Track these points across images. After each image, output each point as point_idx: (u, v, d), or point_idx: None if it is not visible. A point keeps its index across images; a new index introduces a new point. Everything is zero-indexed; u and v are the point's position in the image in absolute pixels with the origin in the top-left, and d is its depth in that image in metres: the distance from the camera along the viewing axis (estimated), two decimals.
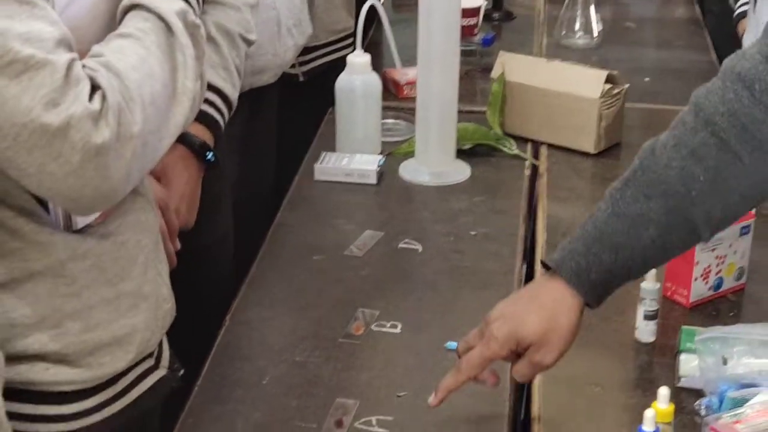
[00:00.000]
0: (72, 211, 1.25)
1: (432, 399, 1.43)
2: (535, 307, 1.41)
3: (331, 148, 2.17)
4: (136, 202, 1.36)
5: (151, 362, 1.42)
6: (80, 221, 1.28)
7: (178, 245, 1.64)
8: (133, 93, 1.20)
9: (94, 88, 1.17)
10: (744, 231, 1.71)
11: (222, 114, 1.76)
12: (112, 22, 1.29)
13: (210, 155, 1.74)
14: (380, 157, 2.13)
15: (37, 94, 1.12)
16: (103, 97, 1.16)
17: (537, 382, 1.54)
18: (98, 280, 1.31)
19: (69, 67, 1.15)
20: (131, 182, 1.24)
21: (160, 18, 1.26)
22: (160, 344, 1.46)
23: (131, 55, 1.23)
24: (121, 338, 1.34)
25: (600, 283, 1.40)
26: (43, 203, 1.24)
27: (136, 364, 1.39)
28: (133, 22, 1.26)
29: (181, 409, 1.51)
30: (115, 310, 1.34)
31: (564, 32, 2.79)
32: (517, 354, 1.41)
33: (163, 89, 1.25)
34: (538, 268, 1.79)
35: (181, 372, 1.50)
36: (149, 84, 1.23)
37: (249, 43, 1.79)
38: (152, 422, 1.48)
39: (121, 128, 1.18)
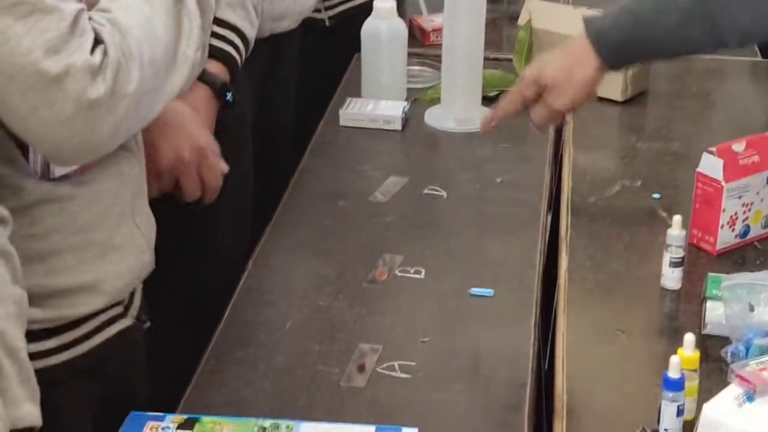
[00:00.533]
0: (53, 160, 1.24)
1: (481, 126, 1.77)
2: (560, 57, 1.65)
3: (357, 93, 2.18)
4: (120, 154, 1.35)
5: (119, 310, 1.41)
6: (57, 171, 1.27)
7: (226, 167, 1.65)
8: (133, 51, 1.20)
9: (97, 41, 1.17)
10: None
11: (240, 52, 1.76)
12: None
13: (229, 95, 1.74)
14: (405, 103, 2.13)
15: (41, 38, 1.12)
16: (105, 52, 1.17)
17: (561, 327, 1.54)
18: (67, 226, 1.30)
19: (76, 16, 1.15)
20: (119, 139, 1.24)
21: None
22: (133, 294, 1.45)
23: (137, 14, 1.23)
24: (86, 285, 1.34)
25: (617, 47, 1.62)
26: (23, 151, 1.24)
27: (103, 311, 1.38)
28: None
29: (203, 353, 1.52)
30: (82, 257, 1.33)
31: None
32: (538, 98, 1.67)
33: (164, 53, 1.25)
34: (564, 208, 1.85)
35: (147, 325, 1.49)
36: (151, 45, 1.23)
37: None
38: (116, 372, 1.45)
39: (117, 85, 1.18)
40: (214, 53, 1.72)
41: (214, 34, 1.72)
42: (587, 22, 1.62)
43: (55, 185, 1.27)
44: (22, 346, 1.12)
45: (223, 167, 1.64)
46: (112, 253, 1.36)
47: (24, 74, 1.13)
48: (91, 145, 1.19)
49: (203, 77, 1.71)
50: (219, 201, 1.71)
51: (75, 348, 1.35)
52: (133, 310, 1.45)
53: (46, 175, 1.26)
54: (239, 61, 1.76)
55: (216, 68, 1.73)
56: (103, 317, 1.38)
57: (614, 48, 1.59)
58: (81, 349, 1.36)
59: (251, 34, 1.77)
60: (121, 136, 1.23)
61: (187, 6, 1.28)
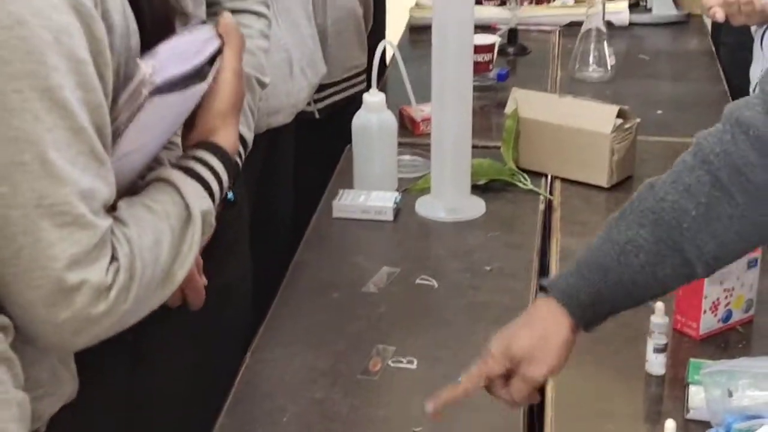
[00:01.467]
0: (26, 337, 1.22)
1: (429, 406, 1.45)
2: (528, 325, 1.46)
3: (349, 185, 2.19)
4: None
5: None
6: None
7: (205, 280, 1.66)
8: (137, 274, 1.22)
9: (113, 258, 1.19)
10: (752, 264, 1.72)
11: (239, 155, 1.77)
12: (135, 179, 1.33)
13: (230, 195, 1.76)
14: (397, 193, 2.15)
15: (70, 249, 1.15)
16: (116, 272, 1.19)
17: (549, 413, 1.56)
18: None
19: (105, 233, 1.18)
20: (93, 343, 1.25)
21: (187, 208, 1.30)
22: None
23: (149, 235, 1.25)
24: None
25: (589, 305, 1.44)
26: None
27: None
28: (163, 199, 1.29)
29: None
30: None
31: (578, 66, 2.80)
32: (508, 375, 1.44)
33: (159, 274, 1.27)
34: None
35: None
36: (153, 268, 1.25)
37: (263, 85, 1.82)
38: None
39: (114, 306, 1.20)
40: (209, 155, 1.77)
41: None
42: (550, 286, 1.48)
43: None
44: None
45: (203, 281, 1.65)
46: (37, 390, 1.32)
47: (42, 275, 1.15)
48: (67, 346, 1.23)
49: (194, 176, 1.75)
50: (219, 296, 1.73)
51: None
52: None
53: None
54: (239, 163, 1.77)
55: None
56: None
57: (588, 306, 1.45)
58: None
59: (249, 136, 1.78)
60: (97, 341, 1.24)
61: (194, 233, 1.31)
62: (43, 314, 1.17)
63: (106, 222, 1.18)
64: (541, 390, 1.53)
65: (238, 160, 1.78)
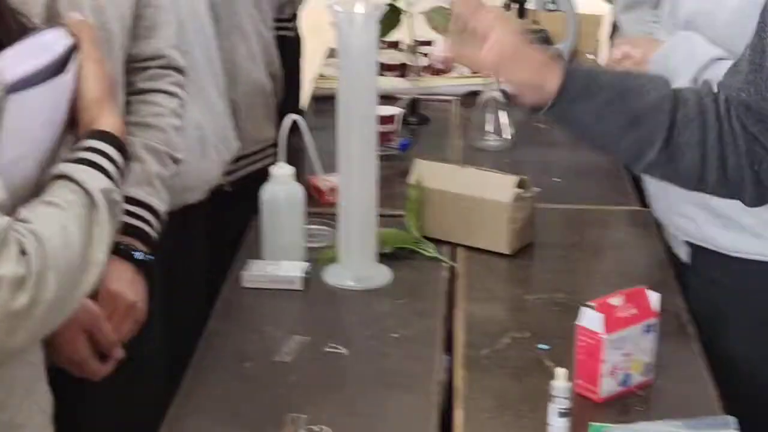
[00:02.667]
0: None
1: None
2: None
3: (258, 255, 2.19)
4: None
5: None
6: None
7: (122, 354, 1.67)
8: (51, 261, 1.23)
9: (22, 251, 1.19)
10: (649, 329, 1.75)
11: (151, 225, 1.78)
12: (37, 186, 1.32)
13: (140, 255, 1.76)
14: (305, 263, 2.15)
15: None
16: (28, 263, 1.19)
17: None
18: None
19: (5, 230, 1.18)
20: (34, 342, 1.27)
21: (87, 193, 1.31)
22: None
23: (54, 224, 1.26)
24: None
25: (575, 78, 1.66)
26: None
27: None
28: (61, 192, 1.30)
29: None
30: None
31: (477, 135, 2.83)
32: None
33: (77, 259, 1.28)
34: (459, 361, 1.86)
35: None
36: (66, 253, 1.25)
37: (177, 161, 1.83)
38: None
39: (37, 294, 1.20)
40: (126, 229, 1.73)
41: (129, 213, 1.73)
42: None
43: None
44: None
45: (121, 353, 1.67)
46: (15, 428, 1.36)
47: None
48: (8, 348, 1.22)
49: (124, 254, 1.73)
50: (133, 370, 1.72)
51: None
52: None
53: None
54: (152, 234, 1.78)
55: (130, 243, 1.75)
56: None
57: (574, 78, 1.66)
58: None
59: (161, 207, 1.79)
60: (36, 339, 1.26)
61: (100, 214, 1.32)
62: None
63: (3, 220, 1.18)
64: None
65: (149, 228, 1.79)
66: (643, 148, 1.66)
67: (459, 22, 1.72)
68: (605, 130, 1.71)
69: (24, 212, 1.26)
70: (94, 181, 1.33)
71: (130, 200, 1.75)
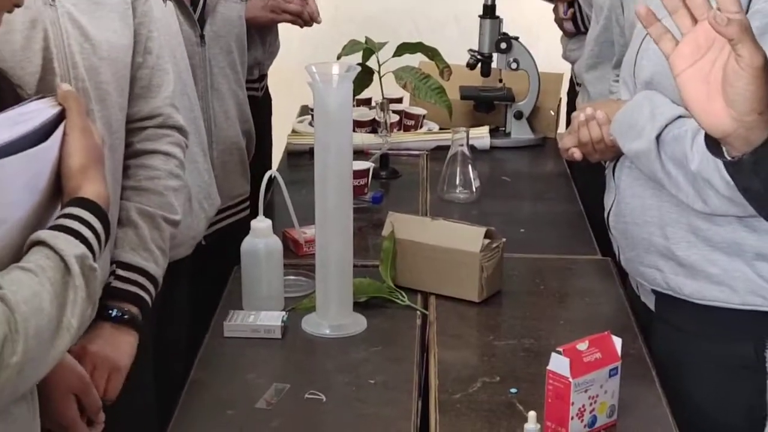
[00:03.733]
0: None
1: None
2: None
3: (238, 305, 2.19)
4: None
5: None
6: None
7: (102, 419, 1.67)
8: (19, 326, 1.20)
9: None
10: (613, 373, 1.77)
11: (147, 291, 1.79)
12: (19, 253, 1.30)
13: (116, 312, 1.76)
14: (284, 313, 2.15)
15: None
16: None
17: None
18: None
19: None
20: (8, 402, 1.24)
21: (61, 259, 1.28)
22: None
23: (26, 289, 1.23)
24: None
25: None
26: None
27: None
28: (35, 258, 1.27)
29: None
30: None
31: (446, 188, 2.84)
32: None
33: (48, 324, 1.25)
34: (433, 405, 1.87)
35: None
36: (36, 318, 1.22)
37: (174, 223, 1.84)
38: None
39: (5, 360, 1.18)
40: (122, 295, 1.75)
41: (121, 278, 1.76)
42: None
43: None
44: None
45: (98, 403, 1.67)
46: None
47: None
48: None
49: (110, 316, 1.74)
50: (123, 422, 1.73)
51: None
52: None
53: None
54: (148, 299, 1.78)
55: (125, 306, 1.76)
56: None
57: None
58: None
59: (158, 272, 1.79)
60: (9, 399, 1.23)
61: (74, 280, 1.29)
62: None
63: None
64: None
65: (144, 294, 1.79)
66: None
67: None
68: None
69: None
70: (70, 247, 1.30)
71: (125, 266, 1.77)
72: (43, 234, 1.31)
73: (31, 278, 1.25)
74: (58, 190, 1.39)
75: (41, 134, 1.35)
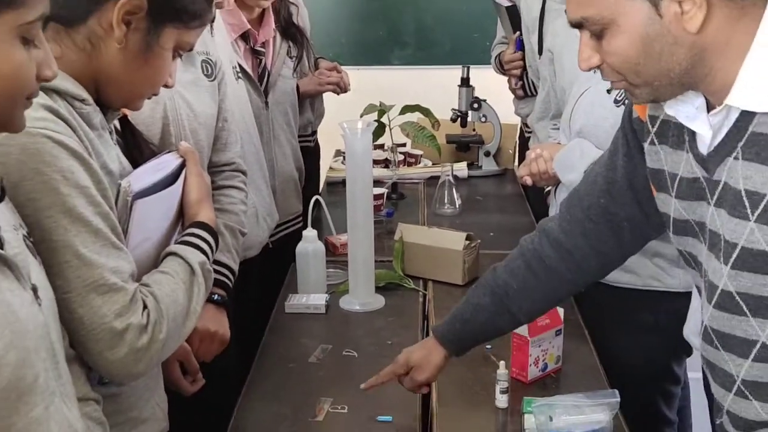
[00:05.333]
0: (107, 378, 1.23)
1: (363, 386, 1.63)
2: (420, 348, 1.61)
3: (294, 290, 2.18)
4: None
5: None
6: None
7: (201, 383, 1.65)
8: (164, 314, 1.21)
9: (144, 307, 1.19)
10: (558, 333, 1.77)
11: (231, 280, 1.78)
12: (157, 260, 1.31)
13: (217, 297, 1.76)
14: (326, 295, 2.14)
15: (113, 307, 1.14)
16: (148, 316, 1.18)
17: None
18: (115, 410, 1.27)
19: (134, 293, 1.17)
20: (152, 368, 1.24)
21: (189, 265, 1.29)
22: None
23: (166, 287, 1.24)
24: None
25: (456, 342, 1.58)
26: (89, 370, 1.20)
27: None
28: (171, 264, 1.28)
29: None
30: (124, 428, 1.30)
31: (437, 205, 2.83)
32: (407, 374, 1.60)
33: (181, 311, 1.25)
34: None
35: None
36: (174, 307, 1.23)
37: (243, 234, 1.83)
38: None
39: (154, 336, 1.19)
40: (216, 283, 1.70)
41: (216, 271, 1.73)
42: (433, 329, 1.61)
43: (106, 387, 1.26)
44: None
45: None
46: (142, 424, 1.34)
47: (99, 329, 1.13)
48: (133, 373, 1.20)
49: (209, 299, 1.71)
50: (215, 371, 1.72)
51: None
52: None
53: (101, 382, 1.25)
54: (230, 284, 1.77)
55: (218, 291, 1.74)
56: None
57: (453, 342, 1.58)
58: None
59: (235, 267, 1.78)
60: (153, 366, 1.23)
61: (197, 278, 1.29)
62: (110, 356, 1.15)
63: (133, 286, 1.17)
64: (429, 386, 1.64)
65: (228, 281, 1.77)
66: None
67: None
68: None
69: (146, 279, 1.24)
70: (194, 256, 1.30)
71: (217, 263, 1.74)
72: (175, 247, 1.31)
73: (169, 279, 1.25)
74: (180, 216, 1.39)
75: (171, 178, 1.36)
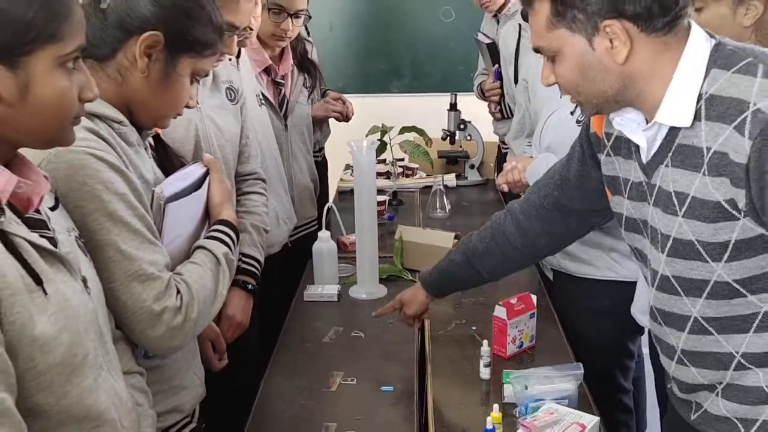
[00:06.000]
0: (151, 353, 1.24)
1: (375, 313, 1.77)
2: (410, 291, 1.73)
3: (311, 282, 2.18)
4: None
5: (188, 420, 1.38)
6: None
7: (225, 361, 1.64)
8: (194, 297, 1.21)
9: (177, 292, 1.19)
10: (531, 316, 1.77)
11: (257, 269, 1.79)
12: (188, 253, 1.30)
13: (250, 286, 1.77)
14: (338, 285, 2.14)
15: (152, 292, 1.15)
16: (181, 299, 1.19)
17: (430, 400, 1.57)
18: (159, 379, 1.27)
19: (169, 280, 1.18)
20: (186, 343, 1.25)
21: (215, 256, 1.28)
22: (195, 411, 1.40)
23: (196, 274, 1.24)
24: (171, 409, 1.31)
25: (433, 286, 1.68)
26: (135, 347, 1.20)
27: (181, 422, 1.35)
28: (200, 256, 1.28)
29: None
30: (167, 395, 1.31)
31: (430, 210, 2.82)
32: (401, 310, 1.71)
33: (210, 294, 1.25)
34: (428, 337, 1.83)
35: (203, 426, 1.43)
36: (204, 291, 1.23)
37: (267, 231, 1.83)
38: None
39: (187, 316, 1.19)
40: (246, 272, 1.75)
41: (245, 263, 1.75)
42: (420, 276, 1.72)
43: (151, 360, 1.27)
44: None
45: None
46: (183, 390, 1.35)
47: (141, 312, 1.14)
48: (172, 347, 1.21)
49: (242, 286, 1.73)
50: (242, 346, 1.72)
51: None
52: (195, 420, 1.41)
53: (146, 356, 1.25)
54: (258, 273, 1.78)
55: (247, 279, 1.75)
56: (181, 425, 1.36)
57: (432, 286, 1.68)
58: None
59: (261, 259, 1.78)
60: (188, 341, 1.24)
61: (222, 268, 1.29)
62: (151, 334, 1.16)
63: (167, 274, 1.18)
64: (422, 322, 1.77)
65: (256, 270, 1.78)
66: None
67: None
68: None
69: (179, 269, 1.24)
70: (219, 249, 1.30)
71: (246, 256, 1.76)
72: (203, 242, 1.31)
73: (198, 268, 1.25)
74: (206, 216, 1.39)
75: (197, 185, 1.36)
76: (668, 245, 1.16)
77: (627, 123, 1.19)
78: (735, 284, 1.11)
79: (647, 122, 1.17)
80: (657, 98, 1.12)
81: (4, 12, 0.85)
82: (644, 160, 1.19)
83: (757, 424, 1.17)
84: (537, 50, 1.18)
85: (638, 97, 1.14)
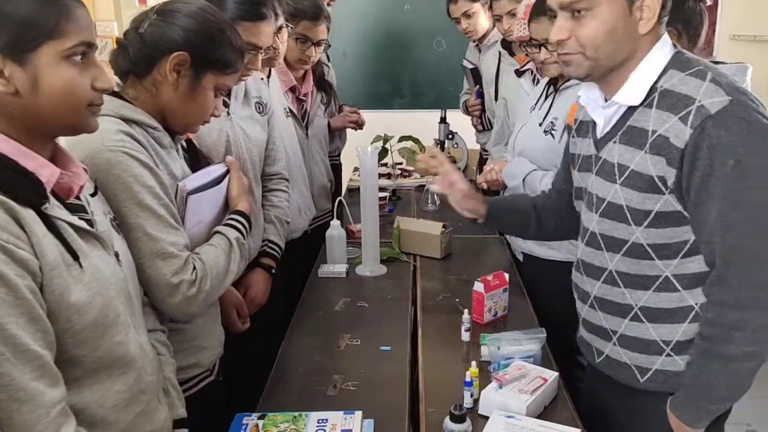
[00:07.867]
0: (172, 317, 1.22)
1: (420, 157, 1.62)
2: (476, 194, 1.58)
3: (325, 261, 2.16)
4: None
5: (208, 373, 1.36)
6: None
7: (248, 324, 1.61)
8: (208, 273, 1.21)
9: (194, 268, 1.19)
10: (504, 290, 1.75)
11: (279, 253, 1.77)
12: (207, 237, 1.29)
13: (273, 271, 1.75)
14: (347, 265, 2.12)
15: (171, 267, 1.15)
16: (197, 274, 1.19)
17: (420, 362, 1.56)
18: (182, 339, 1.27)
19: (186, 259, 1.18)
20: (200, 312, 1.23)
21: (228, 240, 1.28)
22: (214, 366, 1.38)
23: (211, 254, 1.24)
24: (194, 364, 1.31)
25: (493, 203, 1.56)
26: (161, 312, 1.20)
27: (201, 374, 1.34)
28: (216, 239, 1.27)
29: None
30: (190, 352, 1.29)
31: (423, 204, 2.80)
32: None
33: (222, 270, 1.24)
34: (419, 306, 1.82)
35: (221, 378, 1.40)
36: (217, 268, 1.23)
37: (288, 222, 1.82)
38: (203, 408, 1.30)
39: (201, 288, 1.19)
40: (270, 256, 1.72)
41: (270, 248, 1.72)
42: (487, 200, 1.58)
43: (176, 323, 1.25)
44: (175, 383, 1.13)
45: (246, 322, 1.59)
46: (203, 350, 1.33)
47: (162, 283, 1.14)
48: (188, 313, 1.20)
49: (266, 268, 1.69)
50: (266, 311, 1.68)
51: (191, 390, 1.31)
52: (215, 373, 1.39)
53: (172, 320, 1.24)
54: (279, 256, 1.76)
55: (269, 262, 1.73)
56: (202, 377, 1.35)
57: (492, 203, 1.56)
58: (193, 390, 1.31)
59: (282, 245, 1.77)
60: (201, 310, 1.22)
61: (234, 248, 1.28)
62: (170, 301, 1.16)
63: (186, 253, 1.17)
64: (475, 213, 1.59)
65: (278, 254, 1.74)
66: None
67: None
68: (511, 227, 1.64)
69: (198, 249, 1.24)
70: (232, 233, 1.29)
71: (271, 242, 1.74)
72: (220, 228, 1.31)
73: (213, 249, 1.25)
74: (226, 207, 1.38)
75: (218, 180, 1.35)
76: (602, 207, 1.18)
77: (590, 102, 1.20)
78: (647, 247, 1.13)
79: (605, 101, 1.17)
80: (623, 79, 1.12)
81: (9, 15, 0.84)
82: (598, 136, 1.21)
83: (650, 372, 1.19)
84: (566, 6, 1.10)
85: (620, 70, 1.12)
